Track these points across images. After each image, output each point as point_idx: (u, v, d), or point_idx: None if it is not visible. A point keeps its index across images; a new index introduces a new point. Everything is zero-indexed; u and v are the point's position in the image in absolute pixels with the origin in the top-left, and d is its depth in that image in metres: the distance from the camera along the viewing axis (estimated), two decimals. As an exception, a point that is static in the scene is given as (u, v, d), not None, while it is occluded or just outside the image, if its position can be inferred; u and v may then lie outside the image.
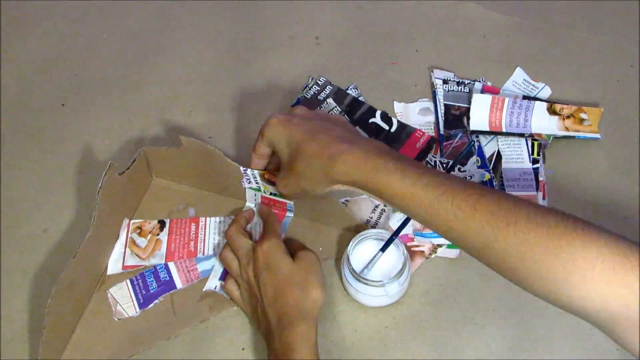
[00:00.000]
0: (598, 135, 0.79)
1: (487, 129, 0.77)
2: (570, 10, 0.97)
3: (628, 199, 0.74)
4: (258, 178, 0.70)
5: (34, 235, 0.75)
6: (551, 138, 0.78)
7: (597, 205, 0.74)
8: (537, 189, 0.74)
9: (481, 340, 0.65)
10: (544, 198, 0.74)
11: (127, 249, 0.72)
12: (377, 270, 0.65)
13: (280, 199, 0.73)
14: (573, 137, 0.78)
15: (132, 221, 0.75)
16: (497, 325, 0.65)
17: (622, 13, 0.95)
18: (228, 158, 0.70)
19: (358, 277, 0.64)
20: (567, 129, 0.79)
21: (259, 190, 0.73)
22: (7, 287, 0.71)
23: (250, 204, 0.75)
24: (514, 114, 0.78)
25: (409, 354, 0.64)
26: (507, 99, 0.78)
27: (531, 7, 0.98)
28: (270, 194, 0.72)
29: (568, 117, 0.79)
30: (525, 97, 0.82)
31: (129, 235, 0.74)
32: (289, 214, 0.74)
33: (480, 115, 0.77)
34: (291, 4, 1.01)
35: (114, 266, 0.71)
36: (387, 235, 0.66)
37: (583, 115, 0.79)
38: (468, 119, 0.79)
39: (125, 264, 0.71)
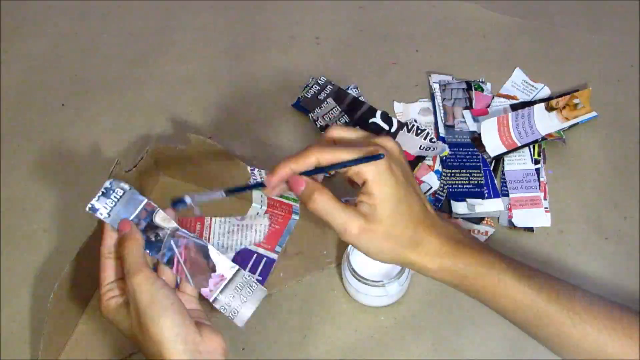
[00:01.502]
0: (595, 114, 0.80)
1: (504, 149, 0.77)
2: (570, 10, 0.97)
3: (628, 199, 0.74)
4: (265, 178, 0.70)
5: (34, 235, 0.75)
6: (562, 133, 0.78)
7: (597, 204, 0.74)
8: (539, 190, 0.74)
9: (481, 340, 0.65)
10: (544, 198, 0.74)
11: None
12: (377, 270, 0.65)
13: (286, 201, 0.72)
14: (577, 124, 0.79)
15: None
16: (497, 325, 0.65)
17: (622, 13, 0.95)
18: (236, 157, 0.70)
19: (358, 277, 0.64)
20: (566, 119, 0.79)
21: None
22: (7, 287, 0.71)
23: (256, 205, 0.75)
24: (519, 125, 0.78)
25: (409, 354, 0.64)
26: (510, 114, 0.78)
27: (531, 7, 0.98)
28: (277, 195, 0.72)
29: (564, 107, 0.79)
30: (524, 104, 0.82)
31: None
32: (295, 217, 0.74)
33: (492, 140, 0.77)
34: (291, 4, 1.01)
35: None
36: None
37: (576, 101, 0.80)
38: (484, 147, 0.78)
39: None
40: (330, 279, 0.70)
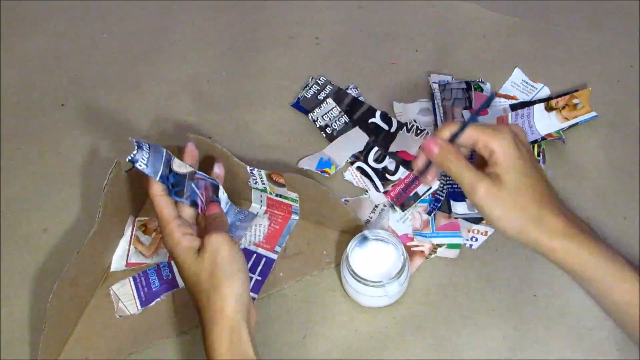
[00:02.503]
0: (594, 113, 0.80)
1: None
2: (570, 10, 0.97)
3: (628, 199, 0.74)
4: (265, 178, 0.70)
5: (34, 235, 0.75)
6: (561, 133, 0.78)
7: (597, 205, 0.74)
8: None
9: (481, 340, 0.65)
10: (544, 198, 0.74)
11: (131, 247, 0.72)
12: (377, 271, 0.65)
13: (285, 201, 0.73)
14: (576, 124, 0.79)
15: (137, 219, 0.75)
16: (497, 325, 0.65)
17: (622, 13, 0.95)
18: (235, 157, 0.70)
19: (358, 277, 0.64)
20: (566, 119, 0.79)
21: (264, 191, 0.73)
22: (7, 287, 0.71)
23: (255, 204, 0.76)
24: (519, 125, 0.78)
25: (409, 354, 0.64)
26: (509, 114, 0.78)
27: (531, 7, 0.98)
28: (276, 195, 0.72)
29: (564, 107, 0.80)
30: (523, 104, 0.82)
31: (134, 232, 0.74)
32: (294, 217, 0.74)
33: None
34: (291, 4, 1.01)
35: (117, 263, 0.71)
36: (386, 236, 0.66)
37: (575, 101, 0.80)
38: None
39: (128, 262, 0.71)
40: (330, 279, 0.70)
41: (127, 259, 0.72)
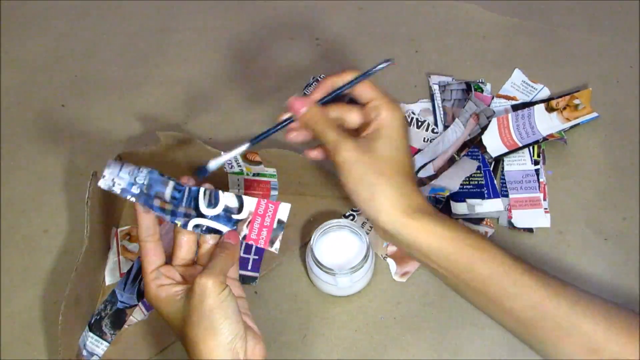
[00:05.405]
0: (596, 114, 0.80)
1: (505, 150, 0.77)
2: (570, 10, 0.97)
3: (628, 199, 0.74)
4: (240, 160, 0.71)
5: (35, 236, 0.75)
6: (563, 134, 0.78)
7: (597, 205, 0.74)
8: (538, 190, 0.74)
9: (481, 341, 0.65)
10: (544, 199, 0.74)
11: (121, 257, 0.72)
12: (338, 259, 0.66)
13: (262, 179, 0.73)
14: (578, 124, 0.79)
15: (119, 229, 0.75)
16: (497, 326, 0.65)
17: (622, 13, 0.95)
18: (208, 146, 0.70)
19: (315, 259, 0.64)
20: (567, 119, 0.79)
21: (241, 173, 0.73)
22: (7, 287, 0.71)
23: (233, 189, 0.76)
24: (520, 126, 0.78)
25: (409, 354, 0.64)
26: (510, 115, 0.78)
27: (531, 8, 0.98)
28: (253, 174, 0.73)
29: (564, 108, 0.79)
30: (525, 105, 0.82)
31: (120, 243, 0.73)
32: (274, 192, 0.75)
33: (493, 140, 0.77)
34: (291, 4, 1.01)
35: (111, 276, 0.71)
36: (352, 225, 0.67)
37: (576, 102, 0.80)
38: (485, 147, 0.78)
39: (122, 272, 0.71)
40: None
41: (120, 270, 0.71)
